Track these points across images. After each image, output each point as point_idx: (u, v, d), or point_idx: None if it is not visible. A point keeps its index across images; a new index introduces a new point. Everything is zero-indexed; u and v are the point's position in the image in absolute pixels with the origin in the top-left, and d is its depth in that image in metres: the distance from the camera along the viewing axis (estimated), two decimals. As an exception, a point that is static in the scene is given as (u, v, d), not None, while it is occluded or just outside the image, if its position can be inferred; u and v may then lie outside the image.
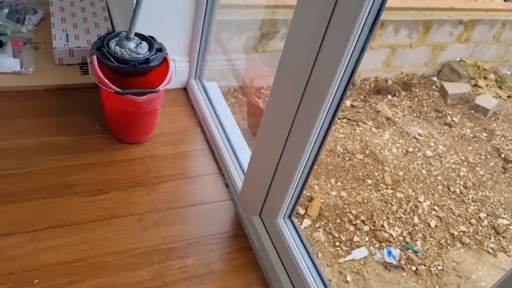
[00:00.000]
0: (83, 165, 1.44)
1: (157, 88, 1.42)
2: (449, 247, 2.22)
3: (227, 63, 2.55)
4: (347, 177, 2.47)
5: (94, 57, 1.43)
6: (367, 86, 3.32)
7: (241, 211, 1.41)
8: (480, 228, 2.33)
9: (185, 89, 1.83)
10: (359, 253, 2.16)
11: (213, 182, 1.51)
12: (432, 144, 2.82)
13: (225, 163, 1.52)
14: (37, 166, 1.40)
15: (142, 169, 1.48)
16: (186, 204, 1.42)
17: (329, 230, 2.22)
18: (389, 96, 3.25)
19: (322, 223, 2.23)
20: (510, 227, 2.36)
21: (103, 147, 1.52)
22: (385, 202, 2.37)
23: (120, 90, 1.38)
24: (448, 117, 3.13)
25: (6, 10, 1.83)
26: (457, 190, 2.51)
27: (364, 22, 0.88)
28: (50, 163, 1.42)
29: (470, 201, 2.47)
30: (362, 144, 2.68)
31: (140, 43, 1.50)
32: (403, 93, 3.33)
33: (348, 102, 3.07)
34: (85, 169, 1.44)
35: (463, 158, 2.76)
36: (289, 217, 1.27)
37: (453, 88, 3.35)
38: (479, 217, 2.39)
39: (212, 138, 1.61)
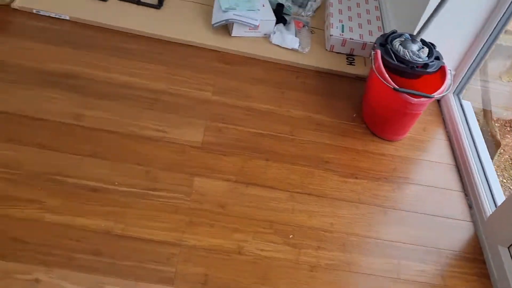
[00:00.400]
0: (338, 147, 1.55)
1: (433, 94, 1.45)
2: None
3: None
4: None
5: (378, 51, 1.51)
6: None
7: (483, 237, 1.37)
8: None
9: (438, 101, 1.82)
10: None
11: (456, 199, 1.49)
12: None
13: (473, 184, 1.48)
14: (301, 136, 1.55)
15: (390, 166, 1.53)
16: (428, 212, 1.43)
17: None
18: None
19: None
20: None
21: (357, 136, 1.60)
22: None
23: (398, 87, 1.44)
24: None
25: (291, -5, 2.03)
26: None
27: None
28: (311, 136, 1.55)
29: None
30: None
31: (423, 47, 1.54)
32: None
33: None
34: (340, 150, 1.54)
35: None
36: (548, 260, 1.20)
37: None
38: None
39: (462, 155, 1.58)
